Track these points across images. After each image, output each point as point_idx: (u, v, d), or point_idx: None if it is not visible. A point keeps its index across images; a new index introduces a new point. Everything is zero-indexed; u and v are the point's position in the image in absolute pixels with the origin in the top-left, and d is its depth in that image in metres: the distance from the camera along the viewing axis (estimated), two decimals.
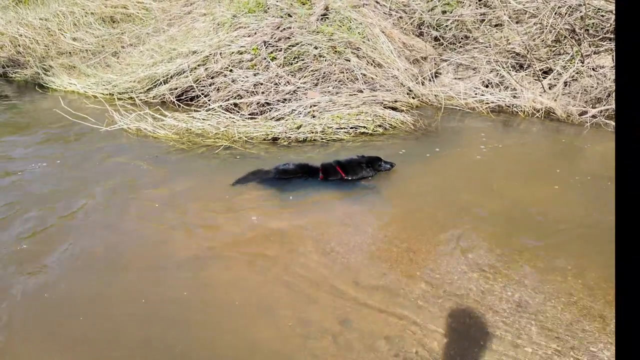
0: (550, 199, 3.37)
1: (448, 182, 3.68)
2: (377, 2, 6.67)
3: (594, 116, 4.90)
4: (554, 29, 5.58)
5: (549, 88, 5.43)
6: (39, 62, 7.45)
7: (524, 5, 5.99)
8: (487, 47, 6.05)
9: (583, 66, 5.31)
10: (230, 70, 5.39)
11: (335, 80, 5.41)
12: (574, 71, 5.33)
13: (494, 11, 6.26)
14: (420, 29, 6.66)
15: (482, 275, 2.51)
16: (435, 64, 6.15)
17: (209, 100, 5.30)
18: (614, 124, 4.58)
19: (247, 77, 5.30)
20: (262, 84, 5.25)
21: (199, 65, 5.51)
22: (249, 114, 5.06)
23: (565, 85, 5.36)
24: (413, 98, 5.65)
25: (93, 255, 2.73)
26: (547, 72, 5.61)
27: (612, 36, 5.32)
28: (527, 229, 2.99)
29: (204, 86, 5.47)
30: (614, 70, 4.76)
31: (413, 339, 2.09)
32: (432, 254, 2.71)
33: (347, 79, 5.45)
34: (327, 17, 5.98)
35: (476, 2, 6.53)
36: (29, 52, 7.86)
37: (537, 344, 2.06)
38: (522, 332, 2.12)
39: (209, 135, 4.57)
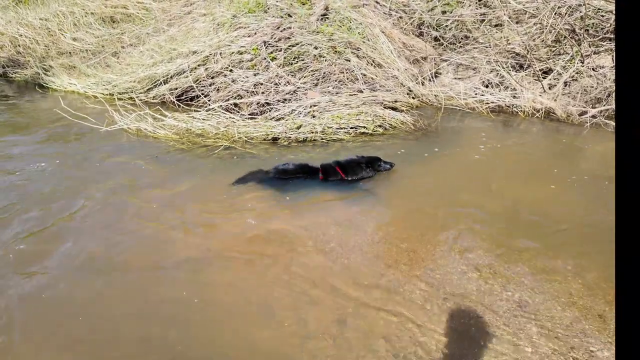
0: (550, 199, 3.37)
1: (448, 182, 3.68)
2: (377, 2, 6.68)
3: (593, 116, 4.91)
4: (554, 29, 5.58)
5: (549, 88, 5.43)
6: (39, 62, 7.45)
7: (524, 5, 5.99)
8: (487, 47, 6.05)
9: (583, 66, 5.31)
10: (230, 71, 5.39)
11: (335, 81, 5.41)
12: (574, 71, 5.33)
13: (494, 11, 6.26)
14: (420, 29, 6.66)
15: (482, 276, 2.51)
16: (435, 64, 6.15)
17: (209, 101, 5.30)
18: (614, 124, 4.58)
19: (247, 77, 5.30)
20: (262, 84, 5.25)
21: (199, 66, 5.51)
22: (249, 114, 5.06)
23: (565, 86, 5.36)
24: (413, 98, 5.65)
25: (93, 255, 2.73)
26: (547, 72, 5.61)
27: (612, 36, 5.32)
28: (527, 229, 2.99)
29: (204, 86, 5.47)
30: (614, 70, 4.76)
31: (413, 339, 2.09)
32: (432, 254, 2.71)
33: (347, 79, 5.45)
34: (327, 17, 5.98)
35: (476, 2, 6.54)
36: (29, 52, 7.86)
37: (537, 344, 2.06)
38: (522, 332, 2.12)
39: (209, 136, 4.57)
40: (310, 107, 5.00)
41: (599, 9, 5.50)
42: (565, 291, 2.39)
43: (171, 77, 5.64)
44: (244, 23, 5.70)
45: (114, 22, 8.00)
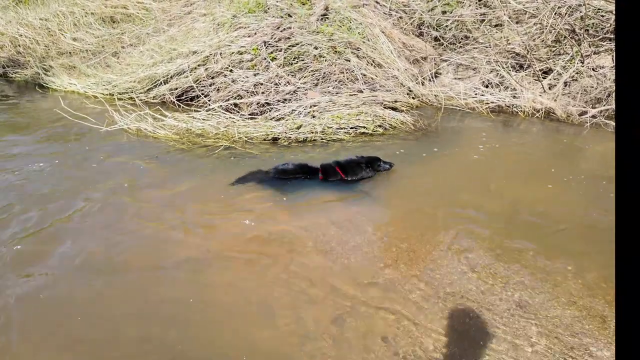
0: (550, 199, 3.37)
1: (448, 182, 3.68)
2: (377, 2, 6.68)
3: (593, 116, 4.91)
4: (554, 29, 5.58)
5: (549, 88, 5.43)
6: (39, 62, 7.45)
7: (524, 5, 5.99)
8: (487, 47, 6.05)
9: (583, 66, 5.31)
10: (231, 71, 5.39)
11: (335, 81, 5.41)
12: (574, 71, 5.34)
13: (494, 11, 6.27)
14: (420, 29, 6.66)
15: (482, 276, 2.51)
16: (435, 64, 6.15)
17: (209, 101, 5.30)
18: (613, 124, 4.58)
19: (247, 77, 5.30)
20: (262, 84, 5.25)
21: (199, 66, 5.51)
22: (249, 114, 5.06)
23: (565, 86, 5.36)
24: (413, 98, 5.65)
25: (92, 255, 2.73)
26: (547, 72, 5.62)
27: (612, 36, 5.32)
28: (527, 229, 2.99)
29: (204, 86, 5.47)
30: (614, 70, 4.76)
31: (413, 339, 2.09)
32: (431, 254, 2.71)
33: (347, 79, 5.45)
34: (327, 17, 5.98)
35: (476, 2, 6.54)
36: (29, 52, 7.86)
37: (537, 344, 2.06)
38: (522, 332, 2.12)
39: (209, 136, 4.57)
40: (310, 107, 5.00)
41: (598, 9, 5.50)
42: (565, 291, 2.39)
43: (171, 77, 5.64)
44: (244, 23, 5.70)
45: (114, 22, 8.00)
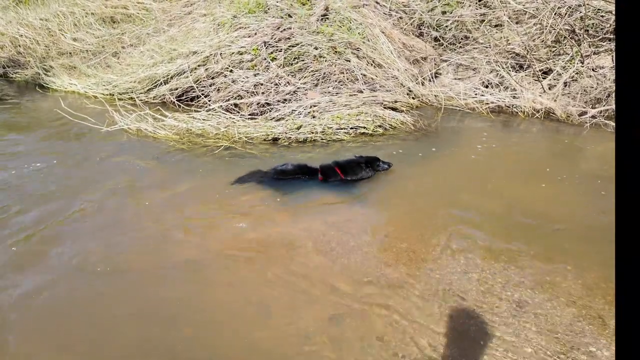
0: (550, 199, 3.38)
1: (448, 182, 3.68)
2: (377, 3, 6.68)
3: (593, 116, 4.91)
4: (554, 29, 5.59)
5: (549, 88, 5.43)
6: (39, 63, 7.45)
7: (523, 5, 6.00)
8: (487, 47, 6.06)
9: (583, 66, 5.31)
10: (231, 71, 5.39)
11: (336, 81, 5.42)
12: (573, 71, 5.34)
13: (493, 11, 6.27)
14: (420, 29, 6.66)
15: (481, 276, 2.51)
16: (435, 64, 6.15)
17: (209, 101, 5.30)
18: (613, 124, 4.59)
19: (248, 77, 5.30)
20: (262, 84, 5.25)
21: (199, 66, 5.52)
22: (249, 115, 5.07)
23: (565, 86, 5.37)
24: (413, 98, 5.65)
25: (92, 255, 2.73)
26: (547, 72, 5.62)
27: (612, 37, 5.32)
28: (527, 229, 2.99)
29: (204, 86, 5.47)
30: (614, 71, 4.76)
31: (412, 339, 2.09)
32: (431, 254, 2.72)
33: (347, 79, 5.46)
34: (327, 18, 5.98)
35: (476, 3, 6.54)
36: (29, 53, 7.86)
37: (537, 344, 2.06)
38: (522, 332, 2.12)
39: (210, 136, 4.57)
40: (311, 107, 5.00)
41: (598, 9, 5.51)
42: (565, 291, 2.39)
43: (171, 77, 5.64)
44: (244, 23, 5.70)
45: (114, 22, 8.00)
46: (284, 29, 5.59)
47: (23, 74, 7.67)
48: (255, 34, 5.55)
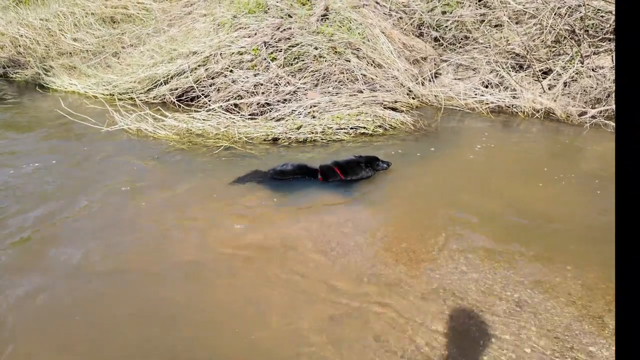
0: (550, 199, 3.38)
1: (448, 182, 3.68)
2: (377, 3, 6.69)
3: (593, 117, 4.91)
4: (554, 29, 5.59)
5: (549, 88, 5.44)
6: (39, 63, 7.45)
7: (523, 5, 6.00)
8: (486, 47, 6.06)
9: (583, 67, 5.32)
10: (231, 71, 5.39)
11: (335, 81, 5.42)
12: (573, 72, 5.34)
13: (493, 12, 6.27)
14: (420, 29, 6.67)
15: (481, 276, 2.51)
16: (435, 64, 6.15)
17: (209, 101, 5.30)
18: (613, 124, 4.59)
19: (248, 77, 5.31)
20: (262, 84, 5.25)
21: (199, 66, 5.52)
22: (249, 115, 5.07)
23: (565, 86, 5.37)
24: (413, 98, 5.65)
25: (92, 255, 2.73)
26: (546, 72, 5.62)
27: (612, 37, 5.33)
28: (527, 228, 2.99)
29: (205, 87, 5.48)
30: (614, 71, 4.76)
31: (412, 339, 2.09)
32: (431, 254, 2.72)
33: (347, 79, 5.46)
34: (327, 18, 5.98)
35: (476, 3, 6.55)
36: (29, 53, 7.87)
37: (536, 344, 2.06)
38: (521, 332, 2.12)
39: (210, 136, 4.58)
40: (311, 107, 5.01)
41: (598, 9, 5.51)
42: (565, 291, 2.39)
43: (171, 77, 5.65)
44: (244, 23, 5.70)
45: (114, 22, 8.01)
46: (284, 29, 5.60)
47: (23, 74, 7.67)
48: (255, 34, 5.55)
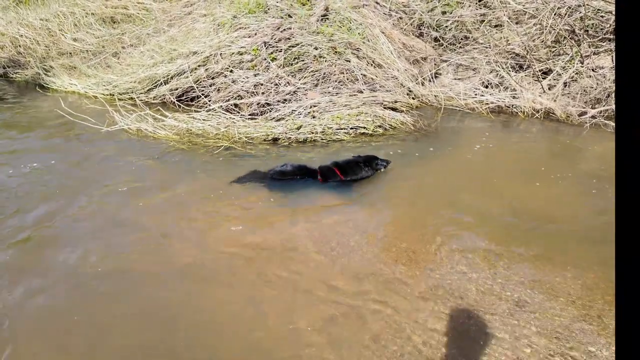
0: (549, 199, 3.38)
1: (448, 182, 3.68)
2: (377, 3, 6.69)
3: (593, 117, 4.91)
4: (554, 29, 5.59)
5: (549, 89, 5.44)
6: (39, 63, 7.45)
7: (523, 6, 6.00)
8: (486, 47, 6.06)
9: (582, 67, 5.32)
10: (231, 71, 5.39)
11: (335, 81, 5.42)
12: (573, 72, 5.34)
13: (493, 12, 6.27)
14: (420, 29, 6.67)
15: (481, 276, 2.51)
16: (435, 64, 6.16)
17: (209, 101, 5.30)
18: (613, 124, 4.59)
19: (248, 77, 5.31)
20: (262, 84, 5.25)
21: (199, 66, 5.52)
22: (249, 115, 5.07)
23: (565, 86, 5.37)
24: (413, 99, 5.65)
25: (92, 255, 2.73)
26: (546, 72, 5.62)
27: (612, 37, 5.33)
28: (527, 229, 2.99)
29: (205, 87, 5.48)
30: (614, 71, 4.76)
31: (412, 339, 2.09)
32: (431, 254, 2.72)
33: (347, 79, 5.46)
34: (327, 18, 5.98)
35: (476, 3, 6.55)
36: (29, 53, 7.87)
37: (536, 344, 2.06)
38: (521, 332, 2.12)
39: (210, 136, 4.58)
40: (311, 107, 5.01)
41: (598, 9, 5.51)
42: (565, 291, 2.39)
43: (171, 77, 5.65)
44: (244, 24, 5.70)
45: (114, 22, 8.01)
46: (284, 29, 5.60)
47: (23, 74, 7.67)
48: (255, 34, 5.55)
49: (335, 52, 5.57)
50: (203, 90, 5.45)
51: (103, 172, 3.85)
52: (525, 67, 5.74)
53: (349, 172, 3.60)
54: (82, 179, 3.73)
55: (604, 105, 4.99)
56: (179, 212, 3.21)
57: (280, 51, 5.45)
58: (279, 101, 5.16)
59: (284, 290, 2.43)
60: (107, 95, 6.10)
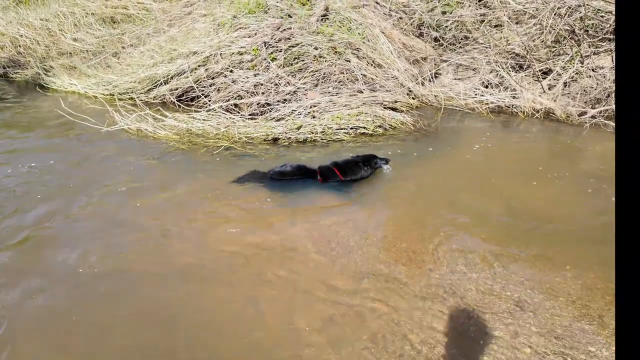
0: (549, 199, 3.38)
1: (448, 182, 3.68)
2: (377, 3, 6.69)
3: (593, 117, 4.91)
4: (554, 29, 5.59)
5: (549, 89, 5.44)
6: (39, 63, 7.45)
7: (523, 6, 6.00)
8: (486, 47, 6.06)
9: (582, 67, 5.32)
10: (231, 71, 5.39)
11: (335, 81, 5.42)
12: (573, 72, 5.34)
13: (493, 12, 6.27)
14: (420, 29, 6.67)
15: (481, 276, 2.51)
16: (435, 64, 6.15)
17: (209, 101, 5.30)
18: (613, 124, 4.59)
19: (248, 77, 5.31)
20: (262, 84, 5.25)
21: (199, 66, 5.52)
22: (249, 115, 5.07)
23: (565, 86, 5.37)
24: (413, 99, 5.65)
25: (92, 255, 2.73)
26: (546, 72, 5.62)
27: (612, 37, 5.33)
28: (526, 229, 2.99)
29: (205, 87, 5.48)
30: (614, 71, 4.76)
31: (412, 339, 2.09)
32: (431, 254, 2.72)
33: (347, 79, 5.46)
34: (327, 18, 5.98)
35: (476, 3, 6.55)
36: (29, 53, 7.87)
37: (536, 343, 2.06)
38: (521, 332, 2.12)
39: (210, 136, 4.58)
40: (311, 107, 5.01)
41: (598, 9, 5.51)
42: (564, 291, 2.39)
43: (171, 77, 5.65)
44: (244, 24, 5.70)
45: (114, 22, 8.01)
46: (284, 29, 5.60)
47: (23, 74, 7.67)
48: (255, 34, 5.55)
49: (335, 52, 5.57)
50: (203, 90, 5.45)
51: (103, 172, 3.85)
52: (525, 67, 5.74)
53: (348, 172, 3.59)
54: (82, 179, 3.73)
55: (604, 105, 4.99)
56: (178, 212, 3.20)
57: (280, 51, 5.45)
58: (279, 101, 5.16)
59: (284, 290, 2.43)
60: (107, 95, 6.10)
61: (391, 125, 4.83)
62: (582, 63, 5.34)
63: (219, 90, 5.38)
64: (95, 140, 4.62)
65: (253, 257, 2.72)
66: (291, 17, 5.83)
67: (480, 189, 3.55)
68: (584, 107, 5.07)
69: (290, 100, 5.18)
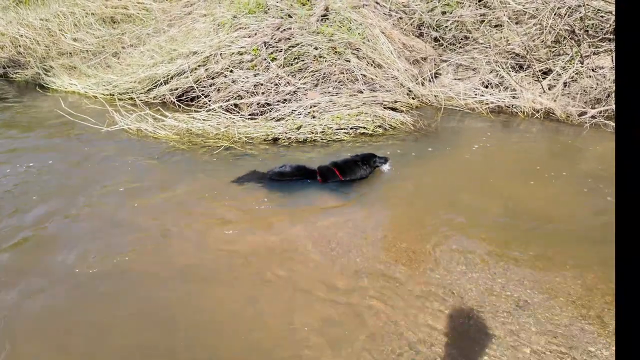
0: (549, 199, 3.38)
1: (447, 182, 3.68)
2: (377, 3, 6.69)
3: (593, 117, 4.91)
4: (554, 29, 5.59)
5: (549, 89, 5.44)
6: (39, 63, 7.45)
7: (523, 6, 6.00)
8: (486, 47, 6.06)
9: (582, 67, 5.32)
10: (231, 71, 5.39)
11: (335, 81, 5.42)
12: (573, 72, 5.34)
13: (493, 12, 6.27)
14: (420, 29, 6.67)
15: (481, 276, 2.51)
16: (435, 64, 6.16)
17: (209, 101, 5.30)
18: (613, 124, 4.59)
19: (248, 77, 5.31)
20: (262, 84, 5.25)
21: (199, 66, 5.52)
22: (249, 115, 5.07)
23: (565, 86, 5.37)
24: (413, 99, 5.65)
25: (92, 255, 2.73)
26: (546, 72, 5.62)
27: (612, 37, 5.33)
28: (526, 229, 2.99)
29: (205, 87, 5.48)
30: (614, 71, 4.76)
31: (412, 339, 2.09)
32: (431, 254, 2.72)
33: (347, 79, 5.46)
34: (327, 18, 5.99)
35: (476, 3, 6.55)
36: (29, 53, 7.87)
37: (536, 344, 2.06)
38: (521, 332, 2.12)
39: (210, 136, 4.57)
40: (310, 107, 5.01)
41: (598, 9, 5.51)
42: (564, 291, 2.39)
43: (171, 77, 5.65)
44: (244, 24, 5.71)
45: (114, 22, 8.01)
46: (284, 29, 5.60)
47: (23, 74, 7.67)
48: (255, 34, 5.55)
49: (335, 52, 5.57)
50: (203, 90, 5.45)
51: (103, 172, 3.85)
52: (525, 67, 5.74)
53: (348, 172, 3.59)
54: (81, 179, 3.73)
55: (604, 105, 4.99)
56: (178, 212, 3.20)
57: (280, 51, 5.45)
58: (279, 101, 5.16)
59: (284, 290, 2.43)
60: (107, 95, 6.10)
61: (391, 125, 4.83)
62: (582, 63, 5.34)
63: (219, 90, 5.38)
64: (95, 140, 4.62)
65: (253, 257, 2.71)
66: (291, 17, 5.83)
67: (480, 189, 3.55)
68: (584, 107, 5.07)
69: (290, 100, 5.18)
